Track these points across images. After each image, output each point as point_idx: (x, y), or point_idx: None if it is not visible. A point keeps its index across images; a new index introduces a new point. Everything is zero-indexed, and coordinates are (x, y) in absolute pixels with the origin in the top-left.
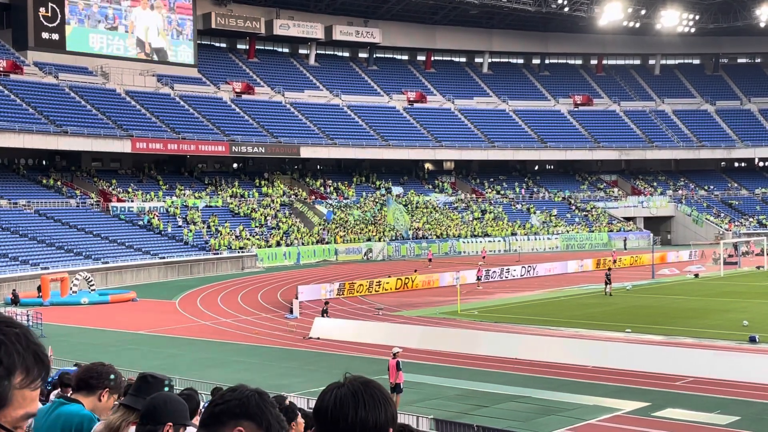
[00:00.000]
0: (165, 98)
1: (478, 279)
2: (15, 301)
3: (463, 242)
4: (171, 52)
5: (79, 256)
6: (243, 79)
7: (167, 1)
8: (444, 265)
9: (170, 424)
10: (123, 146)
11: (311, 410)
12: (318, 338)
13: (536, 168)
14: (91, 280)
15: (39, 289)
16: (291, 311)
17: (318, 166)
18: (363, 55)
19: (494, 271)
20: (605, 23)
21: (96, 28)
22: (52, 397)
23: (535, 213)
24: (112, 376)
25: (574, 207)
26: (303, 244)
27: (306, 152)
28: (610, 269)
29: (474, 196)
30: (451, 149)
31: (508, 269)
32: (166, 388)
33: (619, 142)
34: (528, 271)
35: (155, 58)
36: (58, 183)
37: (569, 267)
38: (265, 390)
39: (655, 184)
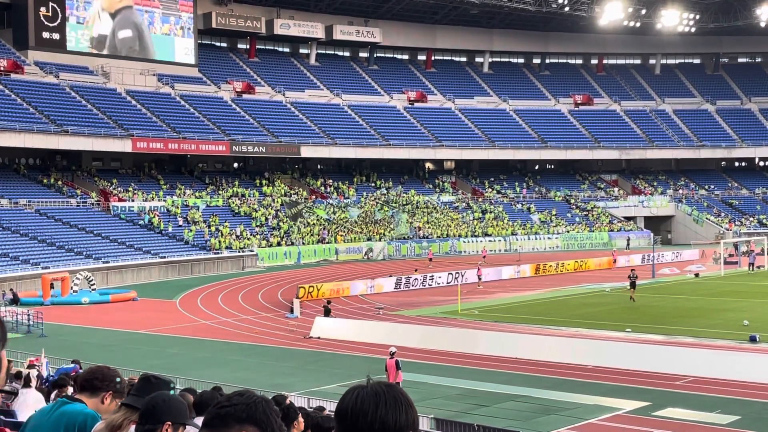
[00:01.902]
0: (165, 98)
1: (479, 278)
2: (15, 300)
3: (464, 242)
4: (171, 52)
5: (80, 256)
6: (243, 79)
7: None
8: (444, 265)
9: (169, 423)
10: (123, 146)
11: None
12: (318, 338)
13: (537, 167)
14: (92, 280)
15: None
16: (291, 311)
17: (318, 166)
18: (363, 54)
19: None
20: (606, 23)
21: (97, 27)
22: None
23: (535, 213)
24: (116, 380)
25: (574, 206)
26: (303, 243)
27: (306, 152)
28: (633, 270)
29: (474, 195)
30: (451, 149)
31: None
32: (172, 391)
33: (620, 141)
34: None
35: (156, 57)
36: (59, 182)
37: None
38: (266, 389)
39: (655, 183)
